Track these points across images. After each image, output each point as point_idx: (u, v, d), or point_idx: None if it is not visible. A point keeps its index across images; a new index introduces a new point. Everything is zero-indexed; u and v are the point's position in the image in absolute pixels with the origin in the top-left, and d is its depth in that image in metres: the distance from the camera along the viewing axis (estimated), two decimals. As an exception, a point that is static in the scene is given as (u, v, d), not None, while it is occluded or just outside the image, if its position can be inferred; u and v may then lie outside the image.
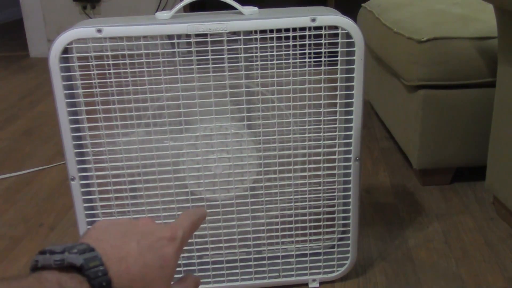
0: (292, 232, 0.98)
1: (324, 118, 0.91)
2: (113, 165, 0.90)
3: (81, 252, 0.41)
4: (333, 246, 1.01)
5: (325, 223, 0.98)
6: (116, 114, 0.88)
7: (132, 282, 0.43)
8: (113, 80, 0.86)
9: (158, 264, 0.45)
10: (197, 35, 0.84)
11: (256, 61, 0.87)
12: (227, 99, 0.88)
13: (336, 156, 0.93)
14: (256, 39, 0.85)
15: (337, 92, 0.90)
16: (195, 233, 0.67)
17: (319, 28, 0.85)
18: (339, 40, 0.87)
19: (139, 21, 0.84)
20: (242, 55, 0.86)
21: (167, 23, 0.84)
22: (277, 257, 1.00)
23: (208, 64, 0.86)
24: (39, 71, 2.77)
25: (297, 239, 0.99)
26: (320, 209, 0.96)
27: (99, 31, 0.82)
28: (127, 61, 0.84)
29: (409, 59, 1.30)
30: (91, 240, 0.44)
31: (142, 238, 0.46)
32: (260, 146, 0.92)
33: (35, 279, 0.39)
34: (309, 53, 0.87)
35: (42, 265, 0.41)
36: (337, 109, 0.91)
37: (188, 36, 0.85)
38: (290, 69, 0.88)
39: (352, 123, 0.91)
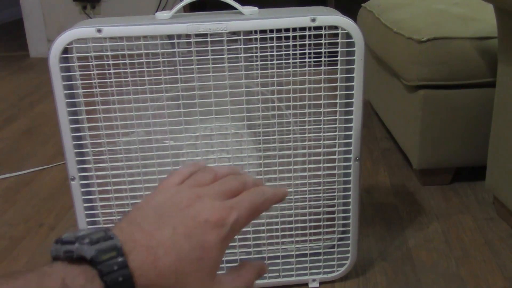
0: (292, 232, 0.98)
1: (324, 118, 0.91)
2: (113, 165, 0.90)
3: (94, 241, 0.35)
4: (333, 246, 1.01)
5: (325, 223, 0.98)
6: (116, 114, 0.88)
7: (160, 278, 0.36)
8: (113, 80, 0.86)
9: (196, 256, 0.38)
10: (197, 35, 0.84)
11: (256, 61, 0.87)
12: (227, 99, 0.88)
13: (336, 156, 0.93)
14: (256, 39, 0.85)
15: (337, 92, 0.90)
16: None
17: (319, 28, 0.85)
18: (339, 40, 0.87)
19: (139, 21, 0.84)
20: (242, 55, 0.86)
21: (167, 23, 0.84)
22: (277, 257, 1.00)
23: (208, 64, 0.86)
24: (39, 71, 2.77)
25: (297, 239, 0.99)
26: (320, 209, 0.96)
27: (99, 31, 0.82)
28: (127, 61, 0.84)
29: (409, 59, 1.30)
30: (124, 224, 0.39)
31: (180, 223, 0.38)
32: (260, 146, 0.92)
33: (37, 275, 0.34)
34: (309, 53, 0.87)
35: (54, 256, 0.36)
36: (337, 109, 0.91)
37: (188, 36, 0.85)
38: (290, 69, 0.88)
39: (352, 123, 0.91)
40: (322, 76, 0.88)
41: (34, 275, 0.34)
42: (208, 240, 0.39)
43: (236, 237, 0.96)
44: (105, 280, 0.34)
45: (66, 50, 0.83)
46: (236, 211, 0.40)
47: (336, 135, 0.92)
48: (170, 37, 0.85)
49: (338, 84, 0.90)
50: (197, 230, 0.38)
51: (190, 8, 2.32)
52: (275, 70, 0.87)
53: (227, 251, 0.98)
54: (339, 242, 1.00)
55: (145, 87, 0.86)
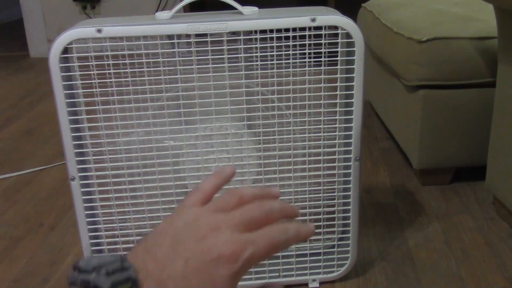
0: (292, 232, 0.98)
1: (324, 118, 0.91)
2: (113, 165, 0.90)
3: (110, 273, 0.36)
4: (333, 246, 1.01)
5: (325, 223, 0.98)
6: (116, 114, 0.88)
7: None
8: (113, 80, 0.86)
9: None
10: (197, 35, 0.84)
11: (256, 61, 0.87)
12: (227, 99, 0.88)
13: (336, 156, 0.93)
14: (256, 39, 0.85)
15: (337, 92, 0.90)
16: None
17: (319, 28, 0.85)
18: (339, 40, 0.87)
19: (139, 21, 0.84)
20: (242, 55, 0.86)
21: (167, 23, 0.84)
22: (277, 257, 1.00)
23: (208, 64, 0.86)
24: (39, 71, 2.77)
25: (297, 239, 0.99)
26: (320, 209, 0.96)
27: (99, 31, 0.82)
28: (127, 61, 0.84)
29: (409, 59, 1.30)
30: (141, 251, 0.39)
31: (193, 257, 0.38)
32: (260, 146, 0.92)
33: None
34: (309, 53, 0.87)
35: (71, 283, 0.37)
36: (337, 109, 0.91)
37: (188, 36, 0.85)
38: (290, 69, 0.88)
39: (352, 123, 0.91)
40: (322, 76, 0.88)
41: None
42: (219, 275, 0.38)
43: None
44: None
45: (66, 50, 0.83)
46: (252, 247, 0.39)
47: (336, 135, 0.92)
48: (170, 37, 0.85)
49: (338, 84, 0.90)
50: (209, 265, 0.38)
51: (190, 8, 2.32)
52: (275, 70, 0.87)
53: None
54: (339, 242, 1.00)
55: (145, 87, 0.86)
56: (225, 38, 0.85)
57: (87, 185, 0.92)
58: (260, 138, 0.92)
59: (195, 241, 0.39)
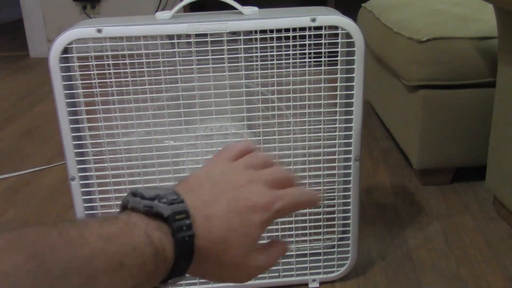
0: (292, 232, 0.98)
1: (324, 118, 0.91)
2: (113, 165, 0.90)
3: (170, 202, 0.41)
4: (333, 246, 1.01)
5: (325, 223, 0.98)
6: (116, 114, 0.88)
7: (211, 243, 0.43)
8: (113, 80, 0.86)
9: (242, 231, 0.44)
10: (197, 35, 0.84)
11: (256, 61, 0.87)
12: (227, 99, 0.88)
13: (336, 156, 0.93)
14: (256, 39, 0.85)
15: (337, 92, 0.90)
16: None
17: (319, 28, 0.85)
18: (339, 40, 0.87)
19: (139, 21, 0.84)
20: (242, 55, 0.86)
21: (167, 23, 0.84)
22: (277, 257, 1.00)
23: (208, 64, 0.86)
24: (39, 71, 2.77)
25: (297, 239, 0.99)
26: (320, 209, 0.96)
27: (99, 31, 0.82)
28: (127, 61, 0.84)
29: (409, 59, 1.30)
30: (185, 189, 0.44)
31: (234, 199, 0.44)
32: (260, 146, 0.92)
33: (125, 223, 0.39)
34: (309, 53, 0.87)
35: (132, 207, 0.41)
36: (337, 109, 0.91)
37: (188, 36, 0.85)
38: (290, 69, 0.88)
39: (352, 123, 0.91)
40: (322, 76, 0.88)
41: (123, 223, 0.39)
42: (254, 220, 0.45)
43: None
44: (176, 237, 0.40)
45: (66, 50, 0.83)
46: (280, 202, 0.46)
47: (336, 135, 0.92)
48: (170, 37, 0.85)
49: (338, 84, 0.90)
50: (247, 209, 0.44)
51: (190, 8, 2.32)
52: (275, 70, 0.87)
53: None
54: (339, 242, 1.00)
55: (145, 87, 0.86)
56: (225, 38, 0.85)
57: (87, 185, 0.92)
58: (260, 138, 0.92)
59: (234, 188, 0.45)
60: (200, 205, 0.43)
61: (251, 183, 0.46)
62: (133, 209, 0.41)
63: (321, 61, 0.88)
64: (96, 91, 0.86)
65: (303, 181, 0.94)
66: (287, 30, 0.85)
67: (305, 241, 0.99)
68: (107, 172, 0.91)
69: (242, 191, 0.45)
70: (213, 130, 0.90)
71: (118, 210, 0.44)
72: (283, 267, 1.00)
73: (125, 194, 0.44)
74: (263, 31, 0.85)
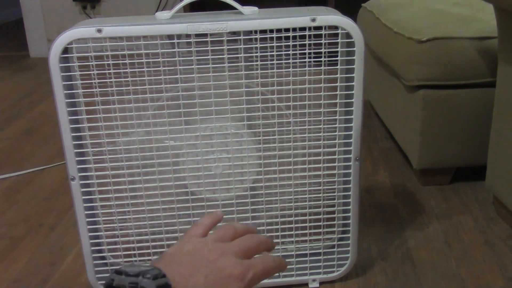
0: (292, 232, 0.98)
1: (324, 118, 0.91)
2: (113, 165, 0.90)
3: (154, 277, 0.43)
4: (333, 246, 1.01)
5: (325, 223, 0.98)
6: (116, 114, 0.88)
7: None
8: (113, 80, 0.86)
9: None
10: (197, 35, 0.84)
11: (256, 61, 0.87)
12: (227, 99, 0.88)
13: (336, 156, 0.93)
14: (256, 39, 0.85)
15: (337, 92, 0.90)
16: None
17: (319, 28, 0.85)
18: (339, 40, 0.87)
19: (139, 21, 0.84)
20: (242, 55, 0.86)
21: (167, 23, 0.84)
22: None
23: (208, 64, 0.86)
24: (39, 71, 2.77)
25: (297, 239, 0.99)
26: (320, 209, 0.96)
27: (99, 31, 0.82)
28: (127, 61, 0.84)
29: (409, 59, 1.30)
30: (163, 265, 0.46)
31: (210, 273, 0.47)
32: (260, 146, 0.92)
33: None
34: (309, 53, 0.87)
35: (117, 285, 0.44)
36: (337, 109, 0.91)
37: (188, 36, 0.85)
38: (290, 69, 0.88)
39: (352, 123, 0.91)
40: (322, 76, 0.88)
41: None
42: None
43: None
44: None
45: (66, 50, 0.84)
46: (253, 270, 0.50)
47: (336, 135, 0.92)
48: (170, 37, 0.85)
49: (338, 84, 0.90)
50: (224, 281, 0.47)
51: (190, 8, 2.33)
52: (275, 70, 0.87)
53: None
54: (339, 242, 1.00)
55: (145, 87, 0.86)
56: (225, 38, 0.85)
57: (87, 185, 0.92)
58: (260, 138, 0.92)
59: (209, 262, 0.48)
60: (179, 279, 0.45)
61: (223, 256, 0.49)
62: (118, 287, 0.44)
63: (321, 61, 0.88)
64: (96, 91, 0.86)
65: (303, 181, 0.94)
66: (287, 30, 0.85)
67: (305, 241, 0.99)
68: (107, 172, 0.91)
69: (217, 264, 0.48)
70: (213, 130, 0.90)
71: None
72: (283, 267, 1.00)
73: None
74: (263, 31, 0.85)
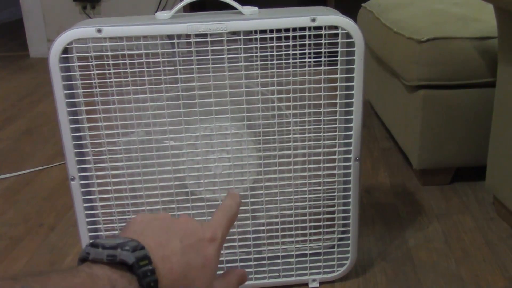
0: (292, 232, 0.98)
1: (324, 118, 0.91)
2: (113, 165, 0.90)
3: (133, 249, 0.41)
4: (333, 246, 1.01)
5: (325, 223, 0.98)
6: (116, 114, 0.88)
7: (175, 282, 0.44)
8: (113, 80, 0.86)
9: (200, 263, 0.46)
10: (197, 35, 0.84)
11: (256, 61, 0.87)
12: (227, 99, 0.88)
13: (336, 156, 0.93)
14: (256, 39, 0.85)
15: (337, 92, 0.90)
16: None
17: (319, 28, 0.85)
18: (339, 40, 0.87)
19: (139, 21, 0.84)
20: (242, 55, 0.86)
21: (167, 23, 0.84)
22: (277, 257, 1.00)
23: (208, 64, 0.86)
24: (39, 71, 2.77)
25: (297, 239, 0.99)
26: (320, 209, 0.96)
27: (99, 31, 0.82)
28: (127, 61, 0.84)
29: (409, 59, 1.30)
30: (136, 235, 0.44)
31: (184, 237, 0.46)
32: (260, 146, 0.92)
33: (88, 275, 0.39)
34: (309, 53, 0.87)
35: (93, 258, 0.41)
36: (337, 109, 0.91)
37: (188, 36, 0.85)
38: (290, 69, 0.88)
39: (352, 123, 0.91)
40: (322, 76, 0.88)
41: (85, 274, 0.40)
42: (209, 252, 0.47)
43: (236, 237, 0.97)
44: (141, 284, 0.41)
45: (66, 50, 0.83)
46: (220, 229, 0.49)
47: (336, 135, 0.92)
48: (170, 37, 0.85)
49: (338, 84, 0.90)
50: (199, 244, 0.47)
51: (190, 8, 2.32)
52: (275, 70, 0.87)
53: (228, 251, 0.98)
54: (339, 242, 1.00)
55: (145, 87, 0.86)
56: (225, 38, 0.85)
57: (87, 185, 0.92)
58: (260, 138, 0.92)
59: (180, 229, 0.47)
60: (156, 247, 0.44)
61: (189, 222, 0.48)
62: (94, 261, 0.41)
63: (321, 61, 0.88)
64: (96, 91, 0.86)
65: (303, 181, 0.94)
66: (287, 30, 0.85)
67: (305, 241, 0.99)
68: (107, 172, 0.91)
69: (187, 230, 0.47)
70: (213, 130, 0.90)
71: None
72: (283, 267, 1.00)
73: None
74: (263, 31, 0.85)
